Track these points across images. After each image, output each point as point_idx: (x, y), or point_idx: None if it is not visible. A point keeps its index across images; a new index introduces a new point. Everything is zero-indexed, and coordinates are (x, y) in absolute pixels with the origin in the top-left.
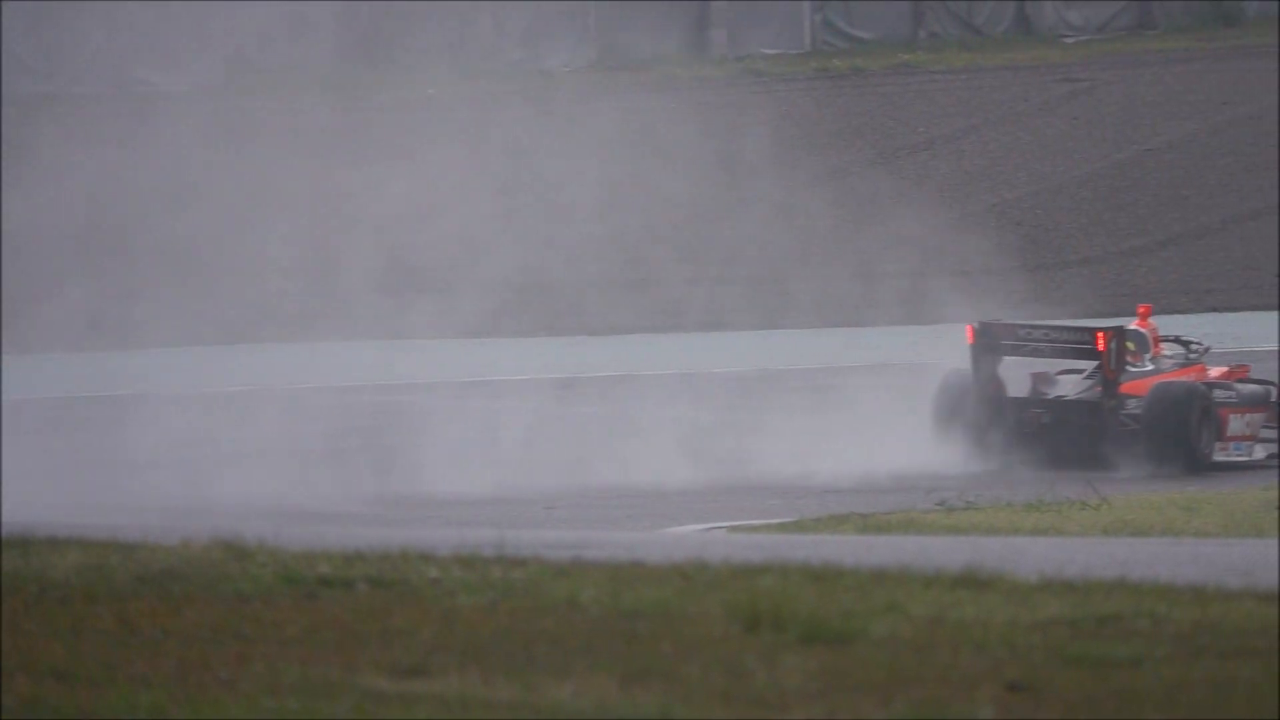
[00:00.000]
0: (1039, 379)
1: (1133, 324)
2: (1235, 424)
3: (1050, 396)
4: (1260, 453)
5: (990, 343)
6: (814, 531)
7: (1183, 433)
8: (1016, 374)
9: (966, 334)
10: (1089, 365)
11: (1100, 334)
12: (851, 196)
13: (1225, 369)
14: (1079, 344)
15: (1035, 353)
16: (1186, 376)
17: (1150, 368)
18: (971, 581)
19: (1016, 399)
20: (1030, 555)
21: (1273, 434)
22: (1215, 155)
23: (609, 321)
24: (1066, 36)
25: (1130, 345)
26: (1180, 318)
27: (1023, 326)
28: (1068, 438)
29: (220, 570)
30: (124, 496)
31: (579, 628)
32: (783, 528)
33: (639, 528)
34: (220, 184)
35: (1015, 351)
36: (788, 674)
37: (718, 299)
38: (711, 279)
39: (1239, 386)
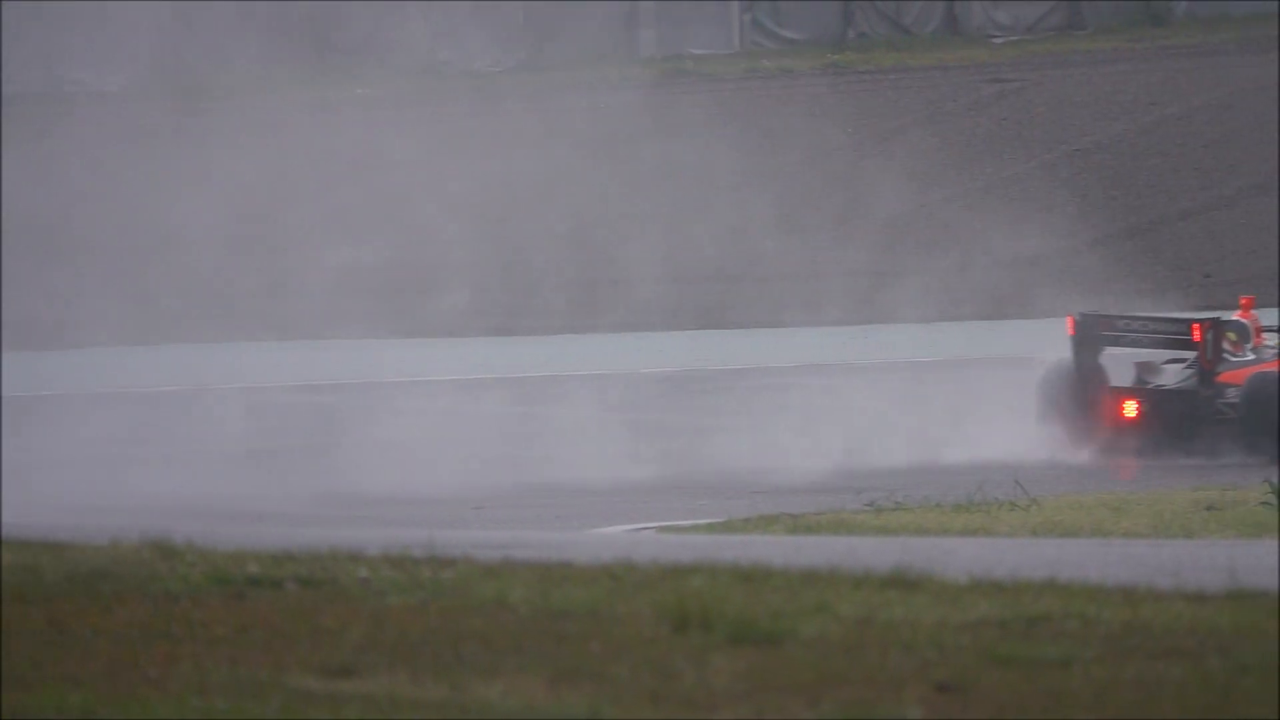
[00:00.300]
0: (1143, 368)
1: (1234, 315)
2: None
3: (1151, 386)
4: None
5: (1090, 333)
6: (743, 532)
7: (1276, 421)
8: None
9: (1067, 325)
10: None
11: (1197, 325)
12: (782, 196)
13: None
14: (1176, 335)
15: (1134, 343)
16: None
17: (1251, 357)
18: (900, 582)
19: (1118, 388)
20: (959, 556)
21: None
22: (1144, 156)
23: (548, 322)
24: (995, 37)
25: (1231, 336)
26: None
27: (1121, 318)
28: (1164, 427)
29: (149, 570)
30: (53, 496)
31: (508, 628)
32: (711, 528)
33: (568, 528)
34: (154, 183)
35: (1115, 342)
36: (716, 674)
37: (654, 299)
38: (642, 279)
39: None
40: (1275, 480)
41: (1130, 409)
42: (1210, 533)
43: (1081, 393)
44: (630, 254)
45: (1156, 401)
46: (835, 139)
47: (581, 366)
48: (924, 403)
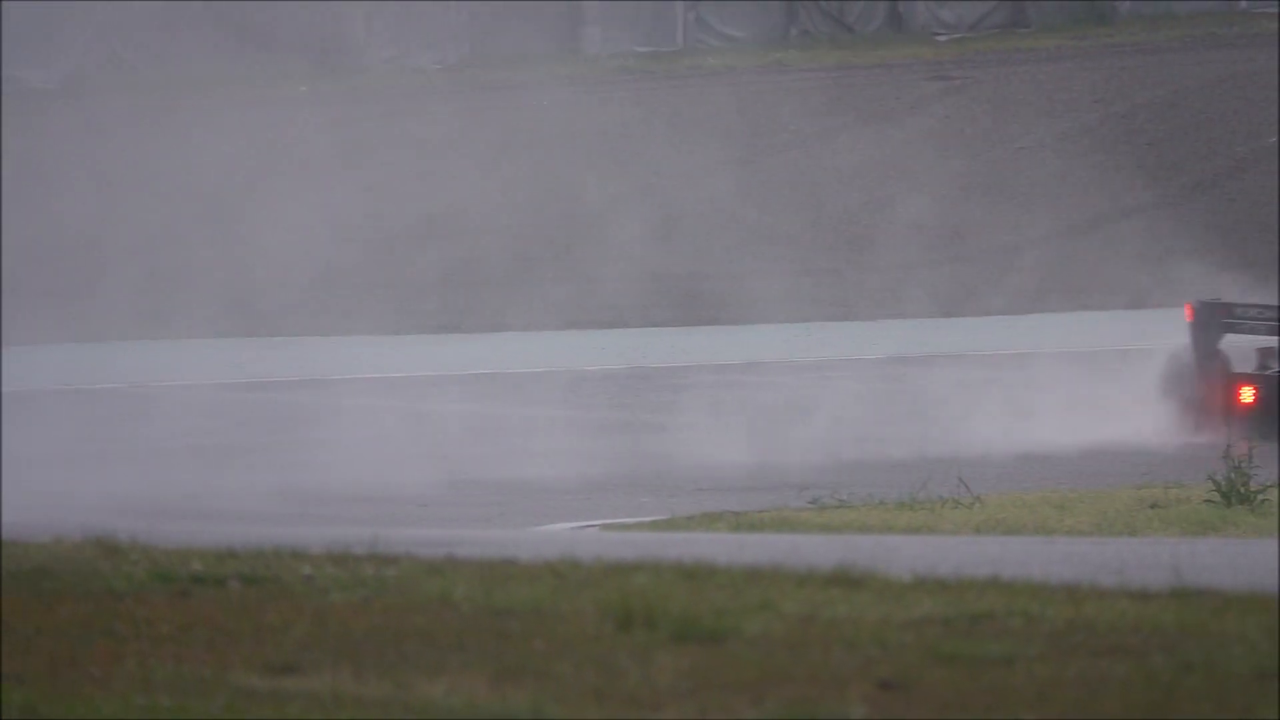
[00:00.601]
0: (1265, 354)
1: None
2: None
3: (1270, 372)
4: None
5: (1209, 320)
6: (687, 529)
7: None
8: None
9: (1186, 312)
10: None
11: None
12: (725, 193)
13: None
14: None
15: (1251, 330)
16: None
17: None
18: (844, 580)
19: (1236, 374)
20: (903, 553)
21: None
22: (1088, 153)
23: (493, 319)
24: (939, 34)
25: None
26: (1052, 316)
27: (1238, 305)
28: (1276, 413)
29: (93, 567)
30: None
31: (451, 625)
32: (655, 526)
33: (511, 525)
34: (96, 180)
35: (1233, 329)
36: (660, 672)
37: (600, 296)
38: (588, 277)
39: None
40: (1219, 477)
41: (1247, 395)
42: (1154, 530)
43: (1200, 379)
44: (574, 251)
45: (1272, 387)
46: (779, 137)
47: (525, 364)
48: (881, 401)
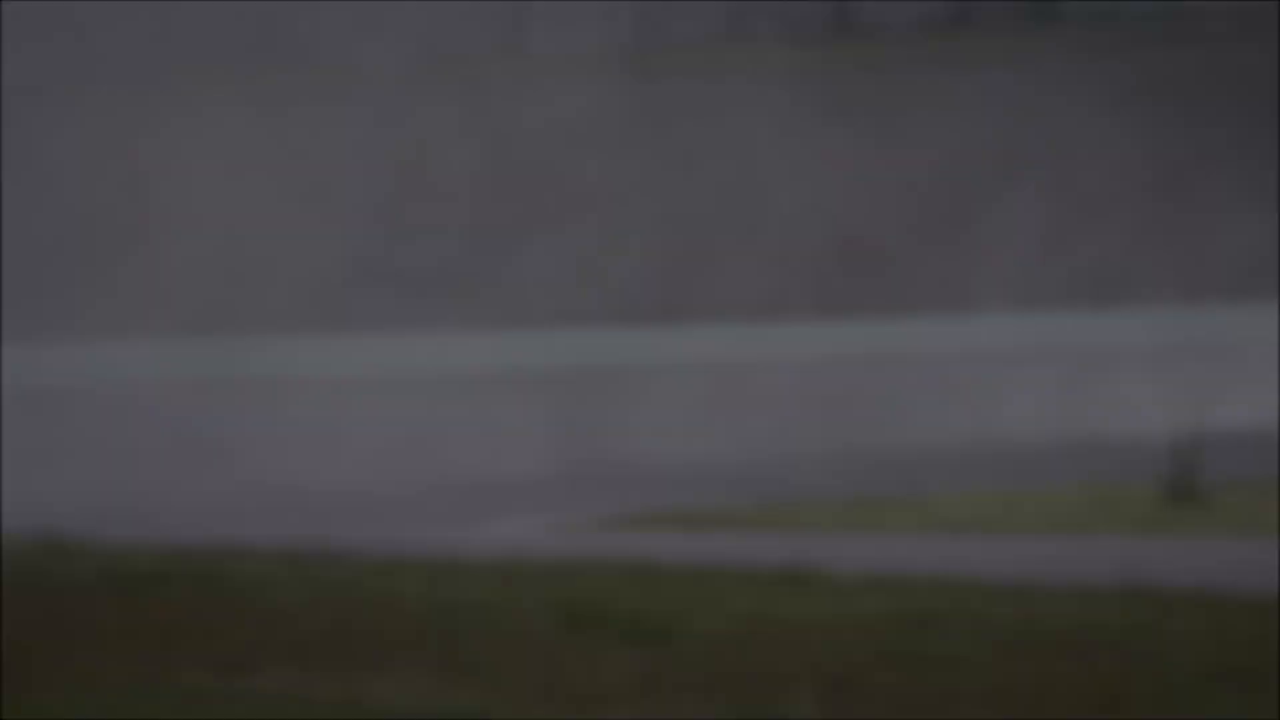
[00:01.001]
0: None
1: None
2: None
3: None
4: None
5: None
6: (634, 528)
7: None
8: None
9: None
10: None
11: None
12: (669, 194)
13: None
14: None
15: None
16: None
17: None
18: (791, 579)
19: None
20: (850, 552)
21: None
22: (1034, 153)
23: (440, 319)
24: (883, 34)
25: None
26: (1003, 316)
27: None
28: None
29: (40, 567)
30: None
31: (399, 625)
32: (603, 524)
33: (459, 524)
34: (28, 179)
35: None
36: (608, 671)
37: (545, 296)
38: (532, 278)
39: None
40: (1167, 475)
41: None
42: (1101, 529)
43: None
44: (520, 251)
45: None
46: (724, 137)
47: (473, 363)
48: (828, 400)
